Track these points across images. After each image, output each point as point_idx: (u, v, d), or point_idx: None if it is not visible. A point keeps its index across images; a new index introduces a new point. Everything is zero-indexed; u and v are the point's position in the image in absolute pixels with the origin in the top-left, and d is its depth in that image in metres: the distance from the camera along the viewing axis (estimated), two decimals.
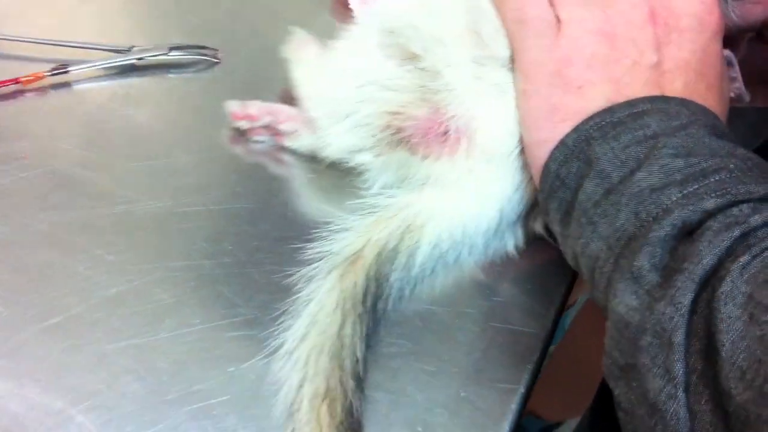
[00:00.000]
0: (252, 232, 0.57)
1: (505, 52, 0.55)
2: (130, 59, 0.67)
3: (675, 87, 0.50)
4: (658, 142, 0.46)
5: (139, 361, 0.49)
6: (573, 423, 0.95)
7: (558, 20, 0.52)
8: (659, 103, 0.49)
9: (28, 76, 0.64)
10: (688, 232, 0.42)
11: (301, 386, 0.48)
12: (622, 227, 0.45)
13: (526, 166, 0.56)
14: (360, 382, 0.49)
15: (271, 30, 0.62)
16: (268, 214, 0.58)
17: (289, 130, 0.62)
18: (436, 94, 0.57)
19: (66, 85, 0.66)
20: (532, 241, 0.59)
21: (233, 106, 0.63)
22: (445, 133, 0.57)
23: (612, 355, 0.43)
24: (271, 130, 0.63)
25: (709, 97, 0.51)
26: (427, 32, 0.57)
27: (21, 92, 0.65)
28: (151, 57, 0.68)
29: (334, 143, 0.60)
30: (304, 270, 0.53)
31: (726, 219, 0.41)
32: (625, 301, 0.42)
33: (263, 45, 0.61)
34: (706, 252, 0.40)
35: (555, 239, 0.53)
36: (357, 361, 0.50)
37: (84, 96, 0.65)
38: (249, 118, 0.63)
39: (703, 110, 0.49)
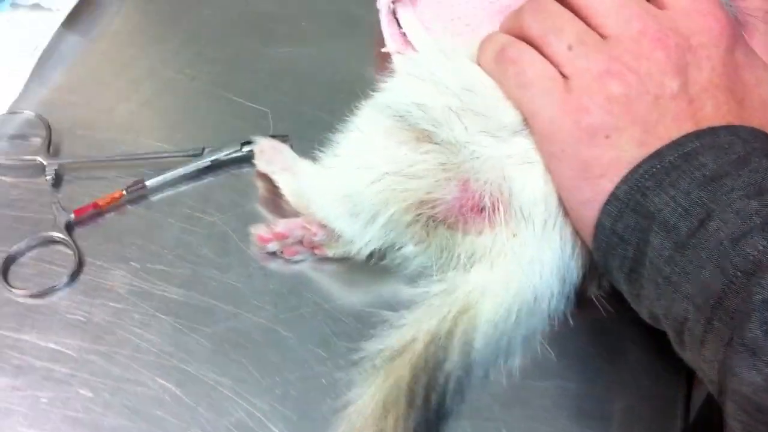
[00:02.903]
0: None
1: (511, 119, 0.53)
2: (205, 161, 0.65)
3: (706, 113, 0.47)
4: (722, 185, 0.43)
5: None
6: None
7: (562, 76, 0.50)
8: (707, 137, 0.45)
9: (106, 198, 0.63)
10: None
11: None
12: (708, 286, 0.41)
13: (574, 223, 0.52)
14: None
15: (336, 107, 0.60)
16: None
17: (325, 240, 0.59)
18: (460, 167, 0.54)
19: (143, 198, 0.64)
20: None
21: (259, 230, 0.59)
22: (481, 205, 0.54)
23: None
24: (307, 244, 0.59)
25: (745, 114, 0.47)
26: (436, 107, 0.54)
27: (99, 215, 0.63)
28: (227, 156, 0.65)
29: (370, 246, 0.57)
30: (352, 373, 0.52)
31: None
32: (747, 379, 0.38)
33: (329, 123, 0.59)
34: None
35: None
36: None
37: (163, 208, 0.63)
38: (279, 237, 0.59)
39: (753, 133, 0.46)
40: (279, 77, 0.72)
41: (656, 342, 0.55)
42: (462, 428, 0.52)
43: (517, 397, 0.53)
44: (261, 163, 0.64)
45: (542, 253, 0.53)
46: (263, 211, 0.63)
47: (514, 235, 0.54)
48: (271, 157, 0.63)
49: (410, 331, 0.53)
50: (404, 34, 0.71)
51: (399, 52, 0.70)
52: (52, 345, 0.55)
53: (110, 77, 0.73)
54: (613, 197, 0.47)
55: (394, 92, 0.58)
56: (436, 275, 0.56)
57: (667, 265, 0.43)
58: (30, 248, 0.61)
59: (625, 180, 0.46)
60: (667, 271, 0.43)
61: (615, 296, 0.54)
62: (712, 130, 0.46)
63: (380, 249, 0.58)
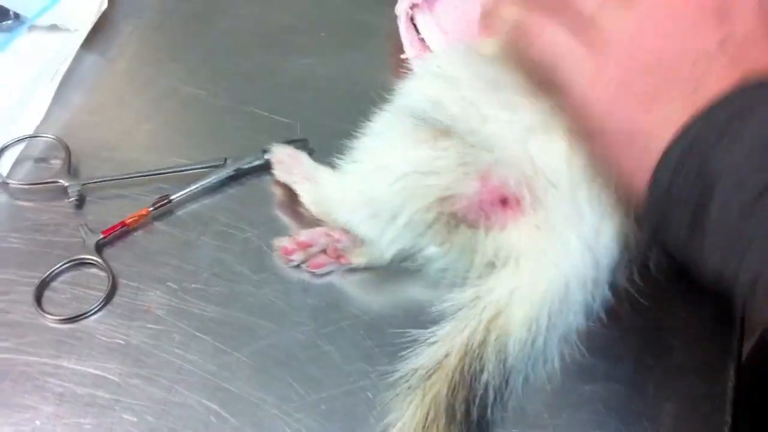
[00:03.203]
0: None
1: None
2: (228, 171, 0.64)
3: (749, 64, 0.44)
4: None
5: None
6: None
7: (592, 44, 0.47)
8: (761, 90, 0.43)
9: (133, 216, 0.62)
10: None
11: None
12: None
13: (601, 189, 0.52)
14: None
15: (355, 115, 0.60)
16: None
17: (349, 246, 0.58)
18: (479, 160, 0.53)
19: (170, 214, 0.63)
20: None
21: (282, 242, 0.59)
22: (503, 198, 0.54)
23: None
24: (333, 252, 0.58)
25: None
26: (452, 101, 0.54)
27: (128, 234, 0.62)
28: (249, 165, 0.65)
29: (393, 248, 0.57)
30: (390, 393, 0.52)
31: None
32: None
33: (348, 132, 0.59)
34: None
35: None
36: None
37: (196, 226, 0.63)
38: (303, 246, 0.58)
39: None
40: (299, 89, 0.72)
41: (699, 339, 0.55)
42: None
43: (565, 401, 0.53)
44: (280, 173, 0.63)
45: (570, 231, 0.52)
46: (284, 219, 0.63)
47: (537, 228, 0.53)
48: (290, 166, 0.63)
49: (443, 347, 0.52)
50: (422, 40, 0.71)
51: (418, 58, 0.69)
52: (92, 370, 0.55)
53: (130, 97, 0.73)
54: (665, 159, 0.44)
55: (409, 94, 0.58)
56: (461, 282, 0.56)
57: (736, 221, 0.41)
58: (61, 272, 0.60)
59: (677, 140, 0.44)
60: (736, 228, 0.41)
61: (648, 294, 0.54)
62: (761, 81, 0.43)
63: (405, 251, 0.58)
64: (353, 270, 0.59)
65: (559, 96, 0.50)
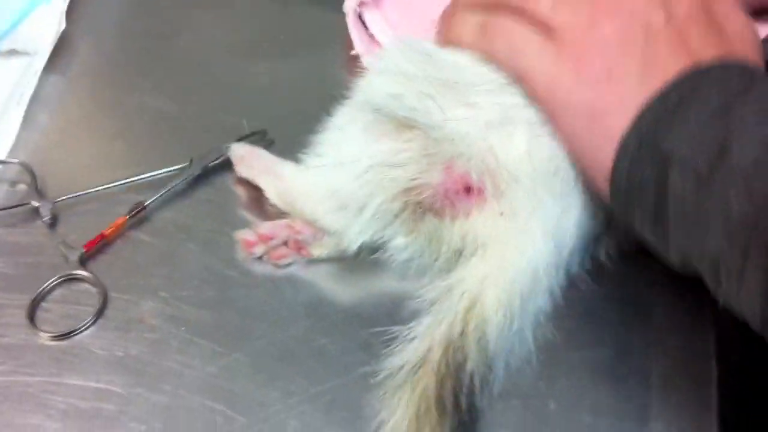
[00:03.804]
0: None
1: (485, 83, 0.55)
2: (196, 171, 0.66)
3: (695, 44, 0.48)
4: (732, 115, 0.43)
5: None
6: None
7: (550, 33, 0.51)
8: (706, 72, 0.46)
9: (111, 227, 0.63)
10: None
11: None
12: (740, 215, 0.41)
13: (563, 181, 0.54)
14: None
15: (318, 106, 0.62)
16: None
17: (310, 239, 0.60)
18: (442, 149, 0.55)
19: (149, 223, 0.64)
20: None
21: (243, 234, 0.60)
22: (467, 185, 0.56)
23: None
24: (294, 245, 0.60)
25: (726, 45, 0.49)
26: (410, 94, 0.56)
27: (108, 246, 0.63)
28: (214, 162, 0.66)
29: (359, 239, 0.58)
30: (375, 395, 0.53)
31: None
32: None
33: (314, 127, 0.61)
34: None
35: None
36: None
37: (172, 232, 0.64)
38: (264, 239, 0.59)
39: (743, 64, 0.47)
40: (266, 93, 0.73)
41: (678, 299, 0.57)
42: (512, 408, 0.54)
43: (558, 370, 0.55)
44: (241, 169, 0.64)
45: (532, 220, 0.54)
46: (247, 216, 0.64)
47: (501, 214, 0.55)
48: (250, 161, 0.64)
49: (425, 343, 0.53)
50: (372, 36, 0.72)
51: (367, 54, 0.71)
52: (94, 384, 0.55)
53: (98, 116, 0.73)
54: (623, 148, 0.47)
55: (368, 89, 0.59)
56: (432, 274, 0.58)
57: (692, 203, 0.43)
58: (50, 290, 0.60)
59: (633, 127, 0.47)
60: (694, 210, 0.43)
61: (627, 260, 0.57)
62: (709, 65, 0.47)
63: (372, 243, 0.59)
64: (347, 265, 0.61)
65: (523, 86, 0.53)
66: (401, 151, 0.56)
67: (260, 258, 0.60)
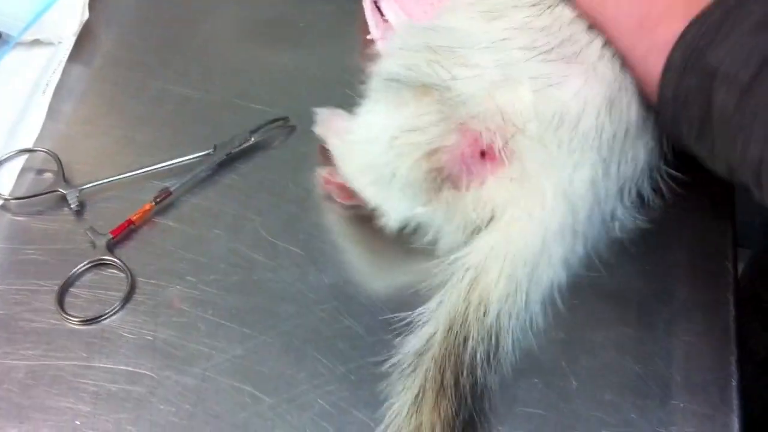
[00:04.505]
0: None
1: (484, 41, 0.57)
2: (220, 157, 0.67)
3: None
4: None
5: None
6: None
7: None
8: None
9: (137, 213, 0.64)
10: None
11: None
12: None
13: (570, 133, 0.55)
14: None
15: (340, 93, 0.64)
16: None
17: None
18: (455, 111, 0.56)
19: (175, 209, 0.65)
20: None
21: (323, 171, 0.63)
22: (482, 151, 0.56)
23: None
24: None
25: None
26: (421, 63, 0.57)
27: (134, 232, 0.64)
28: (238, 148, 0.67)
29: (395, 215, 0.59)
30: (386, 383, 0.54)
31: None
32: None
33: (324, 98, 0.65)
34: None
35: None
36: None
37: (198, 218, 0.65)
38: (338, 186, 0.62)
39: None
40: (289, 80, 0.74)
41: (698, 278, 0.58)
42: (534, 385, 0.54)
43: (580, 349, 0.56)
44: (319, 129, 0.66)
45: (544, 179, 0.55)
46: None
47: (512, 180, 0.56)
48: (329, 123, 0.65)
49: (432, 326, 0.55)
50: (387, 21, 0.73)
51: (382, 39, 0.72)
52: (123, 367, 0.56)
53: (122, 103, 0.74)
54: (669, 61, 0.49)
55: (384, 68, 0.61)
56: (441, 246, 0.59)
57: (735, 112, 0.45)
58: (79, 276, 0.61)
59: (679, 41, 0.49)
60: (737, 119, 0.45)
61: (648, 240, 0.58)
62: None
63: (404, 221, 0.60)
64: (367, 247, 0.63)
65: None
66: (420, 115, 0.57)
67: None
